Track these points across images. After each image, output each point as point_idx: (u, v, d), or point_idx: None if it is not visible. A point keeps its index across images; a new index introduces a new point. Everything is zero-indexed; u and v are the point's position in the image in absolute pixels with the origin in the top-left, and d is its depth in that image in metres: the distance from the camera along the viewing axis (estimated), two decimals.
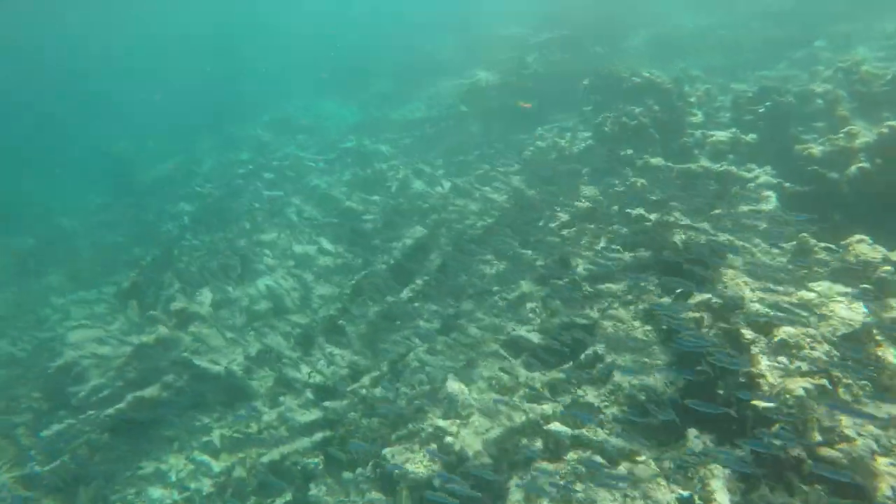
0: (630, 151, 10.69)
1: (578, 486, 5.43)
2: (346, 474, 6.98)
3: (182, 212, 15.12)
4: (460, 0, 36.31)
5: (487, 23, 25.96)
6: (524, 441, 6.19)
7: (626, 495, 5.22)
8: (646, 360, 6.76)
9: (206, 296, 10.66)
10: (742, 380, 5.46)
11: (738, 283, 6.77)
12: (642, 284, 8.02)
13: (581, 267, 8.72)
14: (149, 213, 16.23)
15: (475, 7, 32.15)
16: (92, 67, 36.21)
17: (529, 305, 8.81)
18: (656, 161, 10.39)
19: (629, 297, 8.04)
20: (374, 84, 24.02)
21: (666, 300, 7.37)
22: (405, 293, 9.71)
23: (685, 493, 4.97)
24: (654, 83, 11.43)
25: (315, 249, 11.54)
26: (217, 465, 7.87)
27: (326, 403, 8.26)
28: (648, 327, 7.34)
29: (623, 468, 5.47)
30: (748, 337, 5.81)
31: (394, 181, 13.43)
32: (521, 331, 8.43)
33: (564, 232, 9.68)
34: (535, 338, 8.21)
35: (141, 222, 15.87)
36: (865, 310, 5.80)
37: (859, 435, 4.61)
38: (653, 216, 8.89)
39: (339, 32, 36.16)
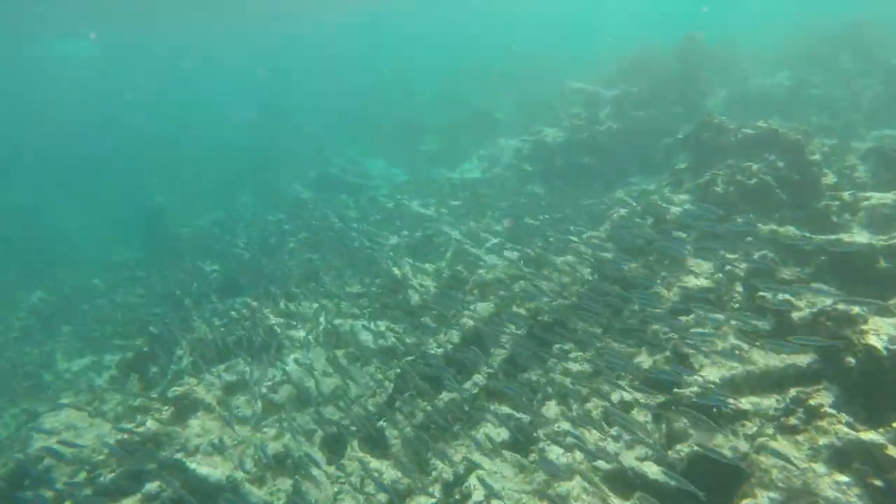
0: (749, 217, 8.53)
1: None
2: None
3: (211, 272, 13.66)
4: (519, 54, 36.08)
5: (551, 78, 24.99)
6: None
7: None
8: None
9: (219, 375, 8.78)
10: None
11: None
12: (811, 402, 5.61)
13: (708, 370, 6.38)
14: (178, 271, 14.88)
15: (536, 62, 31.65)
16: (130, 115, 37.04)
17: (636, 419, 6.47)
18: (787, 231, 8.16)
19: (793, 420, 5.63)
20: (426, 141, 22.92)
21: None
22: (464, 388, 7.54)
23: None
24: (775, 134, 9.36)
25: (354, 325, 9.58)
26: None
27: None
28: (843, 477, 4.90)
29: None
30: None
31: (448, 247, 11.57)
32: (629, 458, 6.07)
33: (676, 319, 7.41)
34: (650, 471, 5.83)
35: (167, 280, 14.50)
36: None
37: None
38: (803, 303, 6.60)
39: (389, 85, 36.26)
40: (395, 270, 10.73)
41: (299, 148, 26.88)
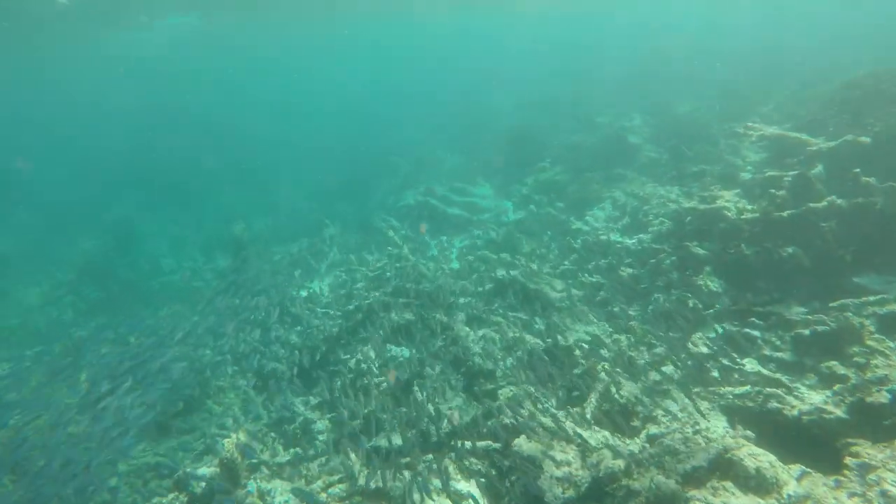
0: None
1: None
2: None
3: (271, 340, 11.24)
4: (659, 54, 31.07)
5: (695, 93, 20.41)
6: None
7: None
8: None
9: None
10: None
11: None
12: None
13: None
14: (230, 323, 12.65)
15: (668, 68, 26.74)
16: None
17: None
18: None
19: None
20: (543, 169, 19.25)
21: None
22: None
23: None
24: None
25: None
26: None
27: None
28: None
29: None
30: None
31: (594, 381, 8.11)
32: None
33: None
34: None
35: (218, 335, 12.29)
36: None
37: None
38: None
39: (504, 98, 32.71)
40: (512, 396, 7.50)
41: (397, 157, 24.29)
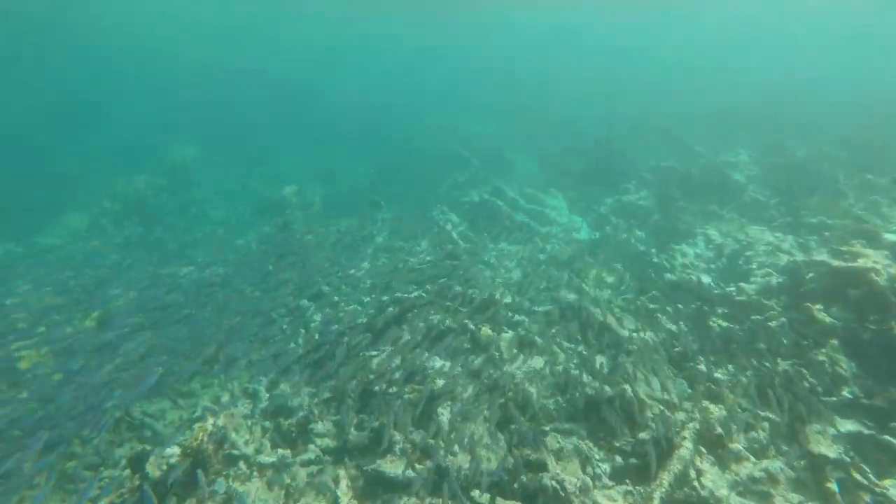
0: None
1: None
2: None
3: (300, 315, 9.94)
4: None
5: (809, 124, 17.95)
6: None
7: None
8: None
9: None
10: None
11: None
12: None
13: None
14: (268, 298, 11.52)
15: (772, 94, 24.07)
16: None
17: None
18: None
19: None
20: (627, 191, 17.24)
21: None
22: None
23: None
24: None
25: None
26: None
27: None
28: None
29: None
30: None
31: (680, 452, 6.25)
32: None
33: None
34: None
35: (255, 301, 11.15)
36: None
37: None
38: None
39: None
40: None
41: (468, 152, 22.83)
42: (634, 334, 9.18)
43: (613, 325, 9.43)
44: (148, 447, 6.92)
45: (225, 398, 8.49)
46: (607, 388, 7.50)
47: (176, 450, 6.26)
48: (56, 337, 9.03)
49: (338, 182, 20.86)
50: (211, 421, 6.31)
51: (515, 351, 8.56)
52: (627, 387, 7.56)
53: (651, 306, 10.38)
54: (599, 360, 8.52)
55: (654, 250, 13.10)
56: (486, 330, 8.74)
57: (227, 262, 12.89)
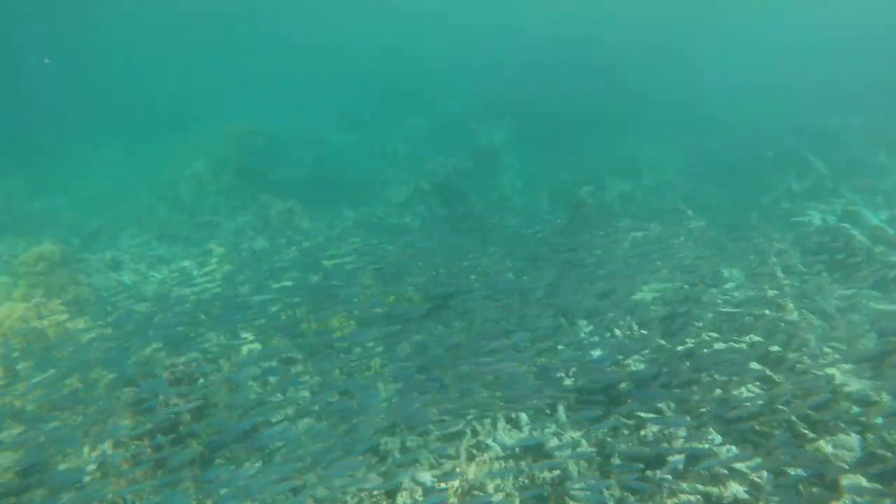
0: None
1: None
2: None
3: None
4: None
5: None
6: None
7: None
8: None
9: None
10: None
11: None
12: None
13: None
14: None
15: None
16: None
17: None
18: None
19: None
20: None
21: None
22: None
23: None
24: None
25: None
26: None
27: None
28: None
29: None
30: None
31: None
32: None
33: None
34: None
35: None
36: None
37: None
38: None
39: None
40: None
41: (811, 147, 18.10)
42: None
43: None
44: None
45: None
46: None
47: None
48: None
49: (645, 179, 19.23)
50: None
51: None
52: None
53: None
54: None
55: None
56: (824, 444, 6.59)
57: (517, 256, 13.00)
